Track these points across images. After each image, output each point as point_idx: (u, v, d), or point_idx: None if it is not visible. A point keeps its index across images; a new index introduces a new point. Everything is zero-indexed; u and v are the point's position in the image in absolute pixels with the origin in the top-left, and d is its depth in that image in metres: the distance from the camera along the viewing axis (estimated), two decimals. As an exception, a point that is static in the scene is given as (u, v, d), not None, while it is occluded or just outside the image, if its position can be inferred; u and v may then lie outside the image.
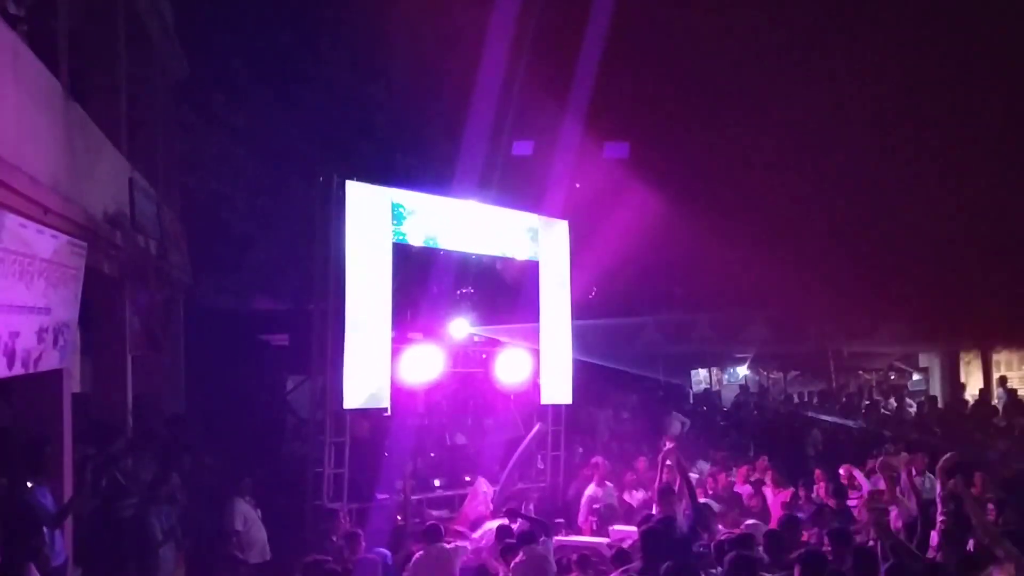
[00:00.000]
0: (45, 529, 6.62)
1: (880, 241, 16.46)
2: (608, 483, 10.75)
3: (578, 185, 16.89)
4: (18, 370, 6.15)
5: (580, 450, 13.18)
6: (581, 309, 13.00)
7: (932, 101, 15.11)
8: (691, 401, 21.34)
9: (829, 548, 6.88)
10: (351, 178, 10.14)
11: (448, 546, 8.12)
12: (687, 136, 16.72)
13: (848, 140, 15.63)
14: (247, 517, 8.73)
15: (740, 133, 16.41)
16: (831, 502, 9.73)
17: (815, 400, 19.47)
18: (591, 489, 10.60)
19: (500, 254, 12.05)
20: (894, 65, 15.23)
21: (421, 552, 7.92)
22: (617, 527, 9.50)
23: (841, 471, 10.98)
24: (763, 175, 16.69)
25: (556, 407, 12.20)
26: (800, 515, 9.03)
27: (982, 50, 14.53)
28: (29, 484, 6.74)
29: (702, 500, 9.41)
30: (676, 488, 7.87)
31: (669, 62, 15.54)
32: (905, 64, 15.05)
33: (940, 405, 18.05)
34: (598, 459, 11.19)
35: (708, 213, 16.90)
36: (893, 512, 8.47)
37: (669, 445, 9.10)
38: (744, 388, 23.02)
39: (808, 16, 15.18)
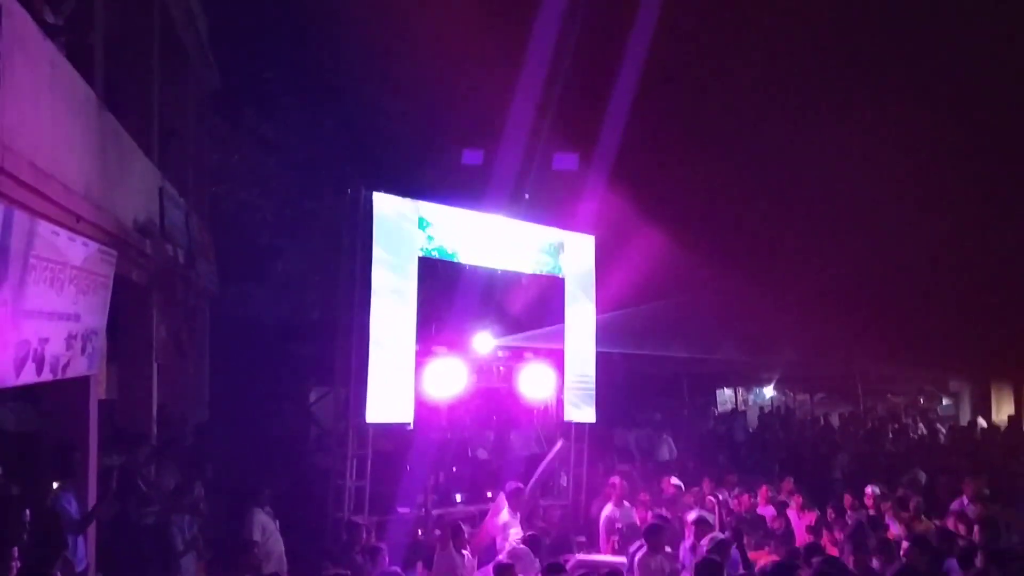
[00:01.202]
0: (68, 535, 6.65)
1: (911, 275, 16.38)
2: (626, 503, 10.62)
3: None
4: (46, 376, 6.18)
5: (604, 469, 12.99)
6: (606, 325, 12.90)
7: (952, 129, 15.11)
8: (712, 422, 21.14)
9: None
10: (379, 190, 10.15)
11: (467, 555, 8.08)
12: (717, 162, 16.73)
13: (880, 171, 15.63)
14: (265, 528, 8.59)
15: (773, 162, 16.42)
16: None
17: (842, 422, 19.23)
18: (608, 509, 10.48)
19: (526, 269, 12.01)
20: (907, 97, 15.29)
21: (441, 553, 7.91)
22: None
23: (868, 491, 10.79)
24: (792, 204, 16.68)
25: (579, 424, 12.11)
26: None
27: (984, 80, 14.52)
28: (55, 484, 6.79)
29: (694, 514, 9.33)
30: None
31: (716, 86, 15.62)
32: (915, 97, 15.11)
33: (976, 431, 17.82)
34: (615, 479, 11.07)
35: (737, 241, 16.94)
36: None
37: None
38: (770, 409, 22.79)
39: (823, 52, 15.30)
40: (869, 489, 10.83)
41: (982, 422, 19.17)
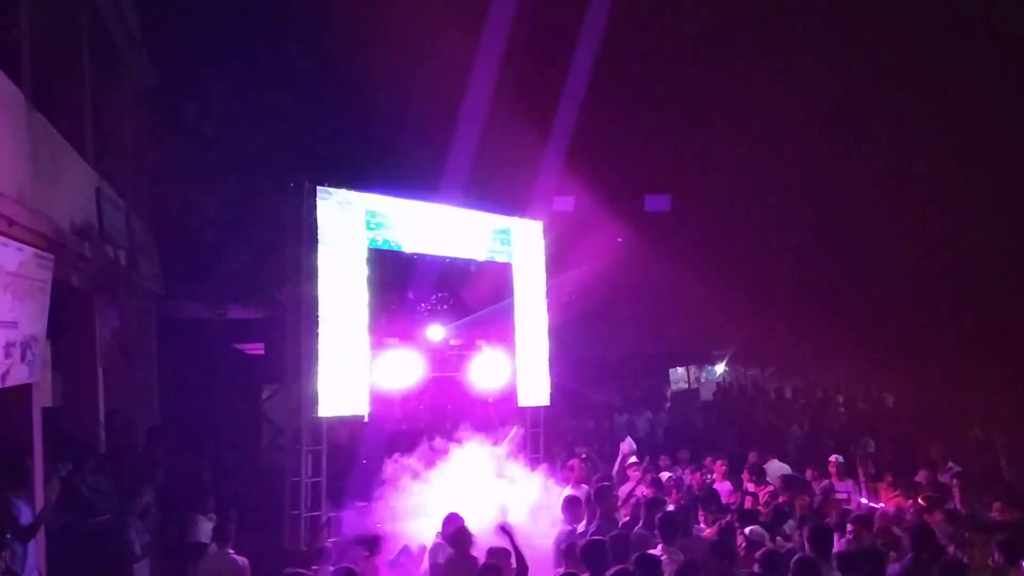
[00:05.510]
0: (16, 543, 6.52)
1: (857, 268, 16.71)
2: (584, 485, 10.69)
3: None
4: (-15, 385, 6.05)
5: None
6: (558, 312, 12.97)
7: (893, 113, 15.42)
8: (668, 399, 21.42)
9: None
10: (323, 184, 10.04)
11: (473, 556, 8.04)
12: (665, 152, 16.93)
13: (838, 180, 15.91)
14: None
15: (721, 151, 16.65)
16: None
17: (793, 395, 19.61)
18: (568, 492, 10.55)
19: (474, 257, 12.01)
20: (836, 81, 15.57)
21: (451, 556, 7.85)
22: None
23: (832, 458, 10.96)
24: (742, 193, 16.92)
25: (535, 409, 12.19)
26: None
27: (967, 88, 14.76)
28: None
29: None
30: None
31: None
32: (847, 83, 15.40)
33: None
34: (574, 462, 11.13)
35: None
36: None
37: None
38: (724, 385, 23.15)
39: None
40: (834, 456, 10.99)
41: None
